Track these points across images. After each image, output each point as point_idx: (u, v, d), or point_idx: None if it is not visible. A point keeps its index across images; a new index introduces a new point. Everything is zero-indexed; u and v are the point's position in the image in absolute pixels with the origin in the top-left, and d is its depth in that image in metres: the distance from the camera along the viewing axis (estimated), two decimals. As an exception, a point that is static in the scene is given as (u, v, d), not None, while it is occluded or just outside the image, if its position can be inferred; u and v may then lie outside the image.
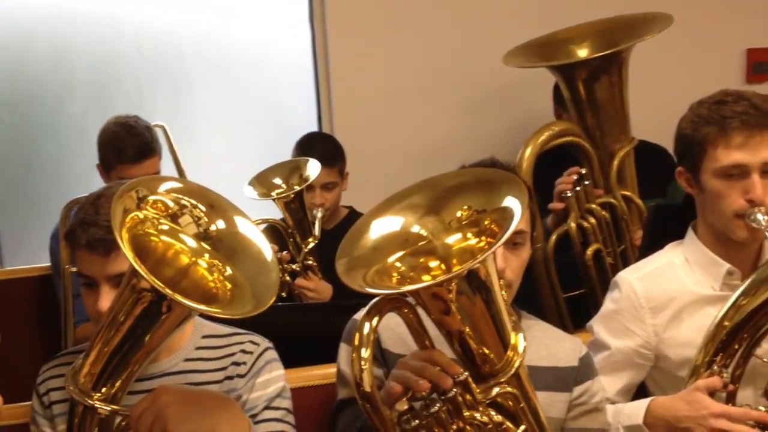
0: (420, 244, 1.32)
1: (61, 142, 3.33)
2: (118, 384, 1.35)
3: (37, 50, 3.25)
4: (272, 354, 1.61)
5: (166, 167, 2.81)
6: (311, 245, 2.62)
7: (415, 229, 1.33)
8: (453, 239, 1.32)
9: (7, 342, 2.64)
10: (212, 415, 1.37)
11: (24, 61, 3.25)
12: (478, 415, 1.28)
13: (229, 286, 1.36)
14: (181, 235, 1.37)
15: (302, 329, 2.23)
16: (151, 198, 1.35)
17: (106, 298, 1.42)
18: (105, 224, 1.40)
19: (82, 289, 1.50)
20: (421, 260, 1.32)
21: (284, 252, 2.58)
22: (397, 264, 1.30)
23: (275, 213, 2.70)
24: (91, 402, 1.33)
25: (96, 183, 2.60)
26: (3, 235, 3.30)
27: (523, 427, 1.33)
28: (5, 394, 1.46)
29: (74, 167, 3.31)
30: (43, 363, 1.63)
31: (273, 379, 1.57)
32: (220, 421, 1.37)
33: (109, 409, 1.34)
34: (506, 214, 1.26)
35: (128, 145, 2.62)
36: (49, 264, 2.79)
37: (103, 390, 1.34)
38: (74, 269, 1.53)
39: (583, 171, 2.55)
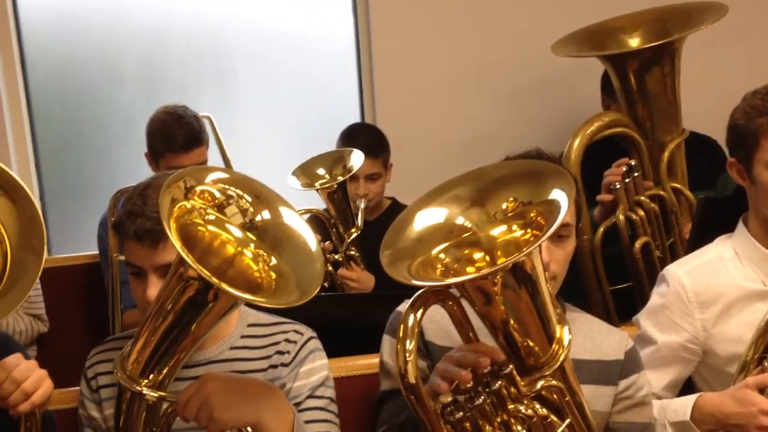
0: (465, 236, 1.32)
1: (109, 134, 3.39)
2: (165, 371, 1.37)
3: (86, 44, 3.31)
4: (316, 343, 1.61)
5: (213, 158, 2.84)
6: (354, 236, 2.62)
7: (460, 220, 1.32)
8: (498, 231, 1.31)
9: (56, 328, 2.71)
10: (257, 403, 1.38)
11: (74, 55, 3.31)
12: (522, 408, 1.27)
13: (274, 275, 1.37)
14: (228, 225, 1.39)
15: (345, 319, 2.24)
16: (199, 188, 1.36)
17: (154, 288, 1.44)
18: (153, 215, 1.42)
19: (131, 278, 1.52)
20: (466, 252, 1.31)
21: (327, 242, 2.60)
22: (442, 256, 1.30)
23: (318, 203, 2.71)
24: (139, 388, 1.35)
25: (143, 173, 2.64)
26: (51, 224, 3.36)
27: (568, 421, 1.32)
28: (55, 379, 1.50)
29: (122, 158, 3.37)
30: (91, 349, 1.66)
31: (316, 369, 1.58)
32: (265, 408, 1.38)
33: (156, 395, 1.36)
34: (553, 207, 1.25)
35: (177, 134, 2.65)
36: (96, 252, 2.83)
37: (151, 377, 1.37)
38: (122, 258, 1.55)
39: (633, 162, 2.50)
